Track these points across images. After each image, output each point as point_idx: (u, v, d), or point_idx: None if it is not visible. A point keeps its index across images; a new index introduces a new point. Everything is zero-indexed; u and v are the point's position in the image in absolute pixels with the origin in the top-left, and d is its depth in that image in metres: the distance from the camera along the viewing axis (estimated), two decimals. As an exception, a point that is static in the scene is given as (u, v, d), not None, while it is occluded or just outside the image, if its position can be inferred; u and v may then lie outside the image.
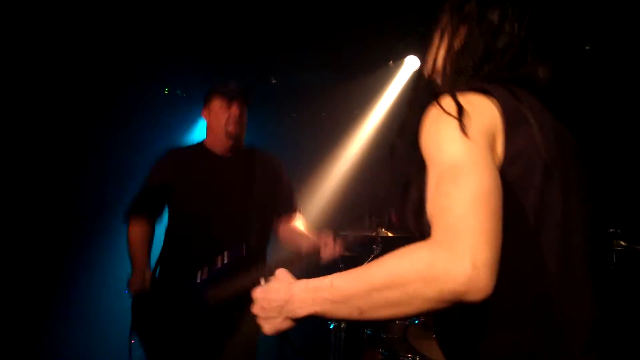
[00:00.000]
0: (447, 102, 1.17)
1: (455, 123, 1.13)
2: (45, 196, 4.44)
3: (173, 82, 5.15)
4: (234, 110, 2.98)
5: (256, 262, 2.81)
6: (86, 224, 4.71)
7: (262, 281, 1.33)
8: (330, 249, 2.71)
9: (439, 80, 1.39)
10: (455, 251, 0.99)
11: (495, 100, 1.19)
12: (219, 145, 3.04)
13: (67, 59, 4.28)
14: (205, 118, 3.09)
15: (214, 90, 3.06)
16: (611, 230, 3.24)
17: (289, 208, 3.13)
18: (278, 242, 3.18)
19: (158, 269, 2.96)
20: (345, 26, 4.06)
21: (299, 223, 3.15)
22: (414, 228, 1.23)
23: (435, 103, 1.19)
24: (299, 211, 3.18)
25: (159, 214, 3.07)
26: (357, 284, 1.10)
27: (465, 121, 1.13)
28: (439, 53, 1.39)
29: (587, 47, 4.28)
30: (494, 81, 1.26)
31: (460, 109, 1.15)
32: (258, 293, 1.28)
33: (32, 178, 4.34)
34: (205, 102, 3.09)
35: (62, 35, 4.10)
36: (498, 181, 1.09)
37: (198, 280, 2.78)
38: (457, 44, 1.35)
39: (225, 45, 4.55)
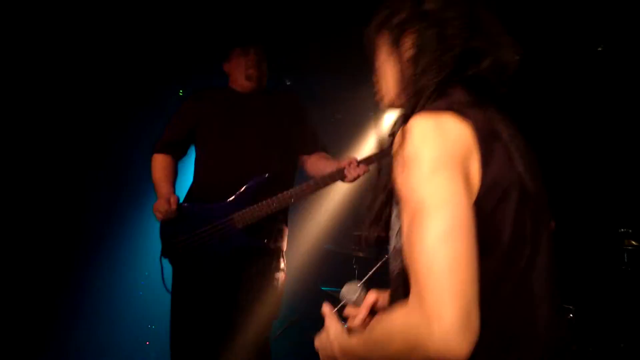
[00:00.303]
0: (418, 128, 1.09)
1: (426, 155, 1.05)
2: (58, 197, 4.49)
3: (187, 83, 5.20)
4: (252, 54, 3.10)
5: (281, 189, 2.88)
6: (98, 224, 4.76)
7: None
8: (354, 168, 2.78)
9: (401, 105, 1.29)
10: (421, 315, 0.94)
11: (468, 122, 1.10)
12: (242, 88, 3.15)
13: (81, 61, 4.34)
14: (226, 70, 3.22)
15: (232, 44, 3.21)
16: (622, 230, 3.26)
17: (313, 146, 3.18)
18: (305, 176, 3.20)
19: (185, 198, 3.06)
20: (361, 28, 4.08)
21: (324, 155, 3.18)
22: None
23: (404, 131, 1.11)
24: (324, 149, 3.21)
25: (183, 151, 3.21)
26: (363, 350, 1.16)
27: (437, 152, 1.05)
28: (390, 77, 1.31)
29: (600, 49, 4.30)
30: (456, 91, 1.20)
31: (430, 137, 1.07)
32: (317, 339, 1.37)
33: (46, 179, 4.39)
34: (226, 56, 3.23)
35: (77, 38, 4.16)
36: (471, 218, 1.01)
37: (224, 204, 2.87)
38: (406, 63, 1.25)
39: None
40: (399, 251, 1.15)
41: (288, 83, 5.12)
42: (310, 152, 3.15)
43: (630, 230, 3.24)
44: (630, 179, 4.12)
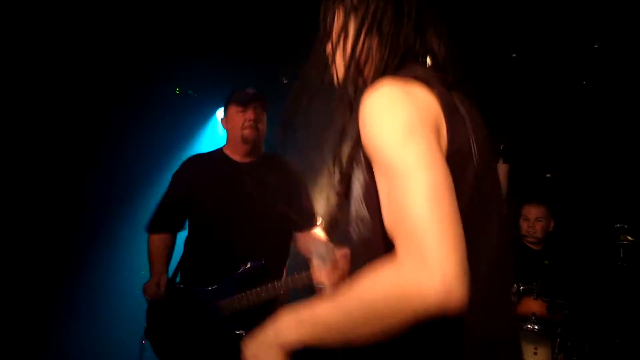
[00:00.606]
0: (388, 92, 1.08)
1: (400, 116, 1.04)
2: (55, 197, 4.45)
3: (184, 81, 5.20)
4: (249, 114, 2.96)
5: (274, 276, 2.80)
6: (94, 223, 4.72)
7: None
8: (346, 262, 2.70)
9: (357, 84, 1.27)
10: (421, 267, 0.93)
11: (433, 92, 1.11)
12: (237, 152, 3.03)
13: (77, 59, 4.33)
14: (224, 126, 3.10)
15: (230, 97, 3.08)
16: (618, 225, 3.28)
17: (307, 224, 3.06)
18: (297, 254, 3.14)
19: (178, 275, 2.98)
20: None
21: (318, 232, 3.09)
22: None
23: (374, 93, 1.09)
24: (318, 223, 3.11)
25: (180, 226, 3.09)
26: (337, 314, 1.04)
27: (410, 114, 1.05)
28: (348, 51, 1.27)
29: (596, 46, 4.32)
30: (414, 65, 1.20)
31: (402, 100, 1.06)
32: (246, 341, 1.20)
33: (43, 179, 4.36)
34: (224, 110, 3.12)
35: (73, 36, 4.16)
36: (450, 177, 1.01)
37: (214, 289, 2.81)
38: (364, 37, 1.24)
39: (237, 45, 4.59)
40: (362, 218, 1.14)
41: (285, 81, 5.12)
42: (303, 229, 3.06)
43: (625, 226, 3.26)
44: (625, 175, 4.15)
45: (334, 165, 1.25)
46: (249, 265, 2.80)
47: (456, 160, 1.08)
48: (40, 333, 4.37)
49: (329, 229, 1.42)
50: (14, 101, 4.11)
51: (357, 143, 1.13)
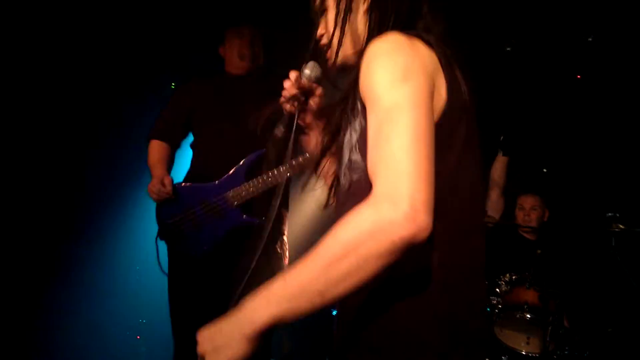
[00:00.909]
0: (393, 39, 1.16)
1: (399, 60, 1.11)
2: (47, 193, 4.41)
3: (181, 70, 5.18)
4: (245, 35, 3.14)
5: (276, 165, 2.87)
6: (88, 221, 4.68)
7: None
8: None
9: (353, 46, 1.35)
10: (395, 199, 0.99)
11: (435, 50, 1.19)
12: (236, 70, 3.17)
13: (69, 55, 4.31)
14: (222, 54, 3.24)
15: (226, 25, 3.24)
16: (609, 214, 3.28)
17: None
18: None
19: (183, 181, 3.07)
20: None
21: None
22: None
23: (379, 40, 1.16)
24: None
25: (180, 136, 3.23)
26: (312, 268, 1.04)
27: (410, 60, 1.12)
28: (350, 19, 1.33)
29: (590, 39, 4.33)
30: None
31: (404, 46, 1.14)
32: (201, 331, 1.14)
33: (33, 175, 4.30)
34: (222, 40, 3.25)
35: (64, 32, 4.14)
36: (432, 122, 1.09)
37: (221, 182, 2.88)
38: (363, 14, 1.32)
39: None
40: (354, 162, 1.21)
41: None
42: None
43: (617, 215, 3.27)
44: (616, 165, 4.17)
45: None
46: (251, 156, 2.88)
47: (454, 114, 1.16)
48: (30, 331, 4.32)
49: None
50: (7, 91, 4.10)
51: (355, 94, 1.20)
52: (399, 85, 1.08)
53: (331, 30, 1.35)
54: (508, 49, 4.50)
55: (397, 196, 0.99)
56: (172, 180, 2.93)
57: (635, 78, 4.24)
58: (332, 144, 1.33)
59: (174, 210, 2.92)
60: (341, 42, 1.34)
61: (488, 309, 3.39)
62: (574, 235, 3.82)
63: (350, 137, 1.23)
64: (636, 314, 3.46)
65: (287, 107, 1.47)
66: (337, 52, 1.35)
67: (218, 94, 3.13)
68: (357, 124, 1.21)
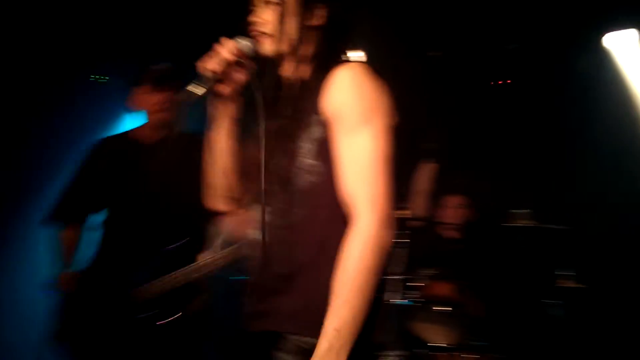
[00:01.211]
0: (363, 70, 1.40)
1: (373, 92, 1.39)
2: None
3: (100, 68, 5.03)
4: (164, 95, 2.78)
5: (189, 259, 2.63)
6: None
7: None
8: None
9: (300, 62, 1.50)
10: (380, 216, 1.31)
11: (378, 76, 1.43)
12: (146, 134, 2.87)
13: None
14: (134, 105, 2.89)
15: (144, 74, 2.85)
16: (524, 210, 3.49)
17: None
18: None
19: (90, 266, 2.79)
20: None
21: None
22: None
23: (350, 68, 1.40)
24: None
25: (88, 213, 2.93)
26: (349, 310, 1.26)
27: (379, 96, 1.39)
28: (296, 34, 1.48)
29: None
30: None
31: (369, 80, 1.39)
32: None
33: None
34: (136, 88, 2.88)
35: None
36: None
37: (130, 277, 2.65)
38: (314, 25, 1.50)
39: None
40: (312, 167, 1.41)
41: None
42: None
43: (525, 211, 3.49)
44: (531, 165, 4.42)
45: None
46: (161, 251, 2.66)
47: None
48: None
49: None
50: None
51: (312, 106, 1.40)
52: (371, 118, 1.36)
53: (268, 20, 1.48)
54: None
55: (380, 213, 1.31)
56: (77, 276, 2.73)
57: (548, 83, 4.53)
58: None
59: (79, 306, 2.69)
60: (279, 36, 1.48)
61: (409, 303, 3.48)
62: (488, 232, 3.98)
63: (303, 144, 1.41)
64: (544, 303, 3.67)
65: (215, 67, 1.45)
66: (274, 43, 1.49)
67: (127, 170, 2.81)
68: (311, 133, 1.41)
